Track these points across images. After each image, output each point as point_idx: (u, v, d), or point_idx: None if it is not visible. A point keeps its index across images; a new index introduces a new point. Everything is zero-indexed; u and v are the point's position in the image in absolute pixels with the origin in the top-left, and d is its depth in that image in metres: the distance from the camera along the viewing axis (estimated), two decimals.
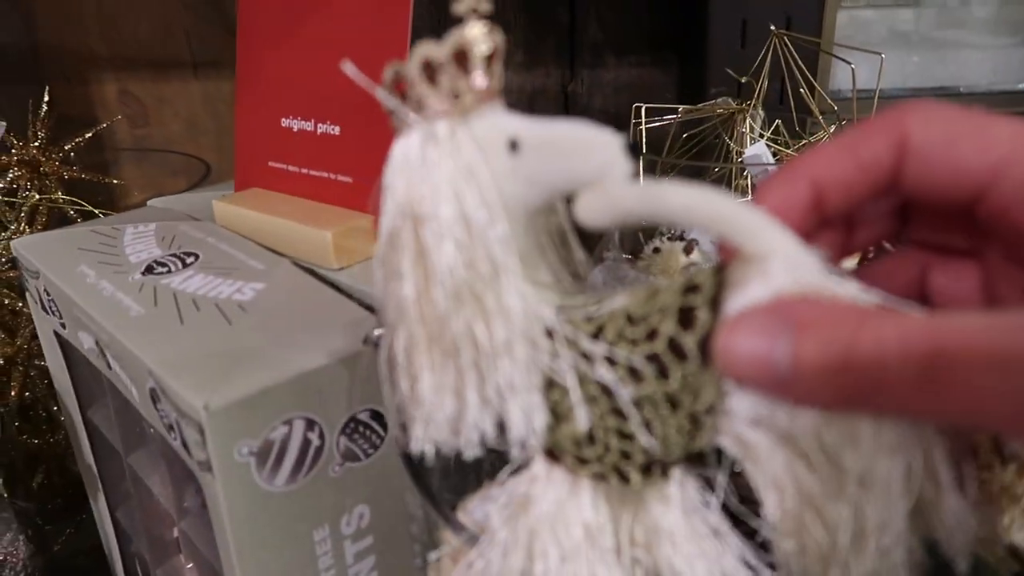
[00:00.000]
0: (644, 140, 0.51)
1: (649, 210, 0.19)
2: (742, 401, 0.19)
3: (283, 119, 0.45)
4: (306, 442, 0.32)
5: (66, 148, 0.64)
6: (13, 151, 0.61)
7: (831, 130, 0.52)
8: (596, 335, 0.20)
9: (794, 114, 0.55)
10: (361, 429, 0.34)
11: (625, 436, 0.20)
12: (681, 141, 0.51)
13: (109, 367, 0.38)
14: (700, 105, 0.51)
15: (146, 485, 0.43)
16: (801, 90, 0.50)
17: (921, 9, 1.05)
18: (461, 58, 0.19)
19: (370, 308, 0.36)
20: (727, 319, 0.18)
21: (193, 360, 0.32)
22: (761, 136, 0.51)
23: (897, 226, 0.23)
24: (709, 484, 0.21)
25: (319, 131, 0.43)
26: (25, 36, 0.81)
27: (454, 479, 0.33)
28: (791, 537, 0.19)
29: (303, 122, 0.44)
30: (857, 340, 0.15)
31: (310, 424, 0.32)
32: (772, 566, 0.20)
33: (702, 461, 0.21)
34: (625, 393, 0.20)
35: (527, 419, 0.20)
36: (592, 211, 0.19)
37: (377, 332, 0.32)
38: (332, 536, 0.34)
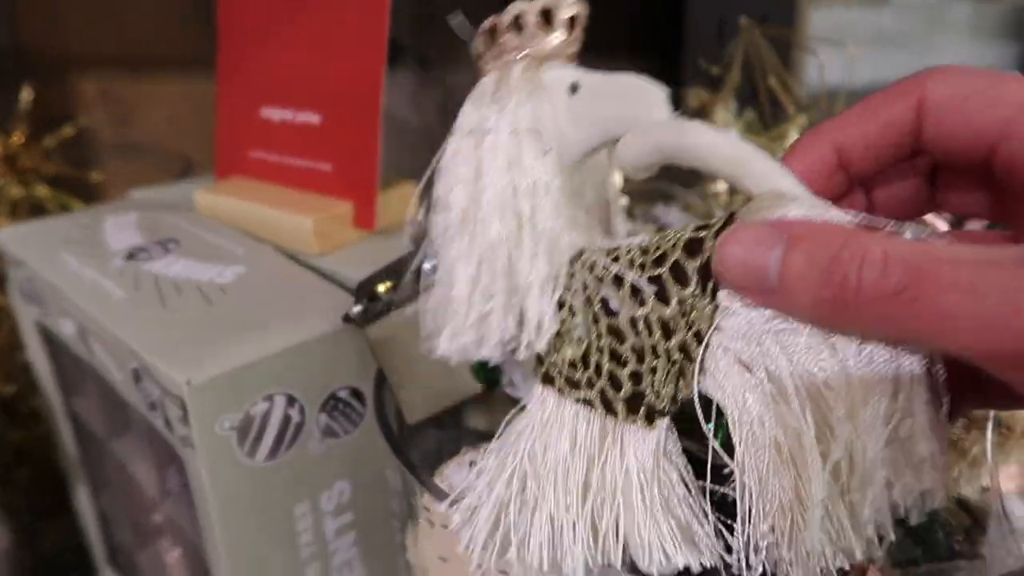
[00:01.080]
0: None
1: (678, 146, 0.20)
2: (734, 320, 0.19)
3: (263, 109, 0.46)
4: (286, 418, 0.33)
5: (47, 144, 0.65)
6: None
7: (800, 121, 0.53)
8: (612, 259, 0.22)
9: (766, 107, 0.56)
10: (341, 406, 0.35)
11: (617, 359, 0.21)
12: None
13: (91, 352, 0.38)
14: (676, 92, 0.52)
15: (128, 470, 0.43)
16: (772, 82, 0.51)
17: (900, 9, 1.07)
18: (547, 16, 0.22)
19: (350, 291, 0.36)
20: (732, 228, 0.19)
21: (175, 339, 0.32)
22: (734, 126, 0.53)
23: (927, 191, 0.23)
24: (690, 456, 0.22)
25: (299, 120, 0.44)
26: (7, 36, 0.81)
27: (432, 459, 0.34)
28: (759, 486, 0.20)
29: (283, 111, 0.45)
30: (842, 254, 0.16)
31: (290, 400, 0.33)
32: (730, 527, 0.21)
33: (688, 428, 0.22)
34: (623, 309, 0.21)
35: (539, 322, 0.22)
36: (629, 148, 0.21)
37: (356, 309, 0.32)
38: (313, 512, 0.35)
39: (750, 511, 0.19)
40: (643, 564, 0.21)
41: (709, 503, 0.21)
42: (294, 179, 0.45)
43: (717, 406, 0.20)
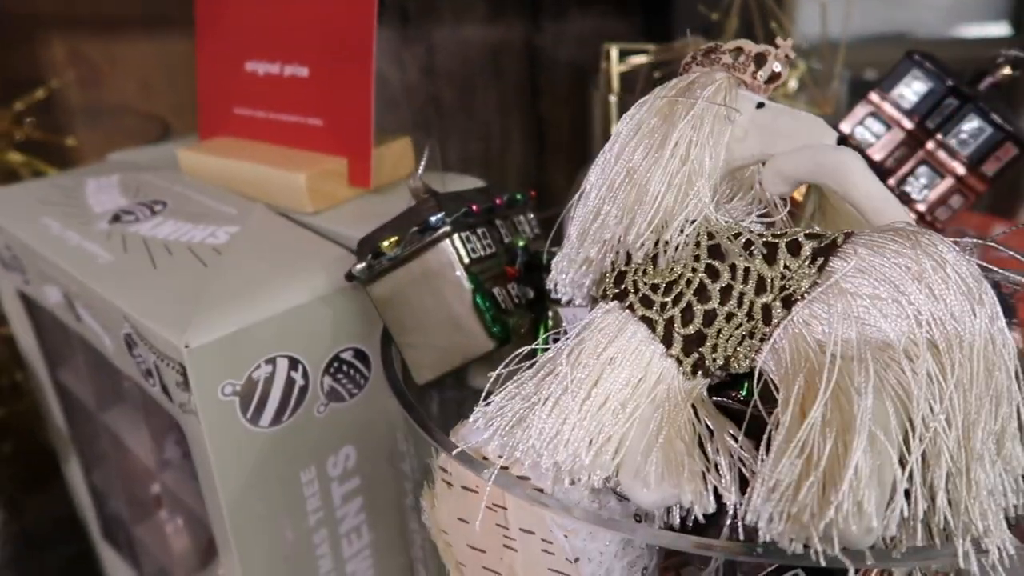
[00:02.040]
0: (614, 81, 0.50)
1: (834, 170, 0.24)
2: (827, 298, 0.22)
3: (247, 63, 0.44)
4: (290, 382, 0.31)
5: (17, 108, 0.62)
6: None
7: (801, 68, 0.52)
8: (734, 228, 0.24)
9: None
10: (345, 368, 0.33)
11: (701, 293, 0.23)
12: (653, 82, 0.51)
13: (79, 319, 0.37)
14: (671, 44, 0.50)
15: (122, 442, 0.42)
16: (773, 26, 0.50)
17: None
18: (760, 60, 0.26)
19: (350, 249, 0.35)
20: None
21: (169, 303, 0.31)
22: None
23: None
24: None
25: (286, 73, 0.42)
26: None
27: (437, 421, 0.33)
28: (800, 451, 0.20)
29: (269, 65, 0.43)
30: None
31: (293, 363, 0.31)
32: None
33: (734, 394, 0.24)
34: (730, 255, 0.23)
35: (650, 224, 0.24)
36: (789, 159, 0.24)
37: (360, 266, 0.31)
38: (319, 477, 0.34)
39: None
40: (627, 486, 0.21)
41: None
42: (283, 136, 0.43)
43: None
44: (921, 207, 0.35)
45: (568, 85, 0.92)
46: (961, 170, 0.34)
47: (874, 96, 0.35)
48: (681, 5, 0.79)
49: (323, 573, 0.36)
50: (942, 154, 0.34)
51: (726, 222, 0.25)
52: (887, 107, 0.35)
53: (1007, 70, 0.34)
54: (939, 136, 0.34)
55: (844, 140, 0.25)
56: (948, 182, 0.34)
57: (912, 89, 0.35)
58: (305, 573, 0.35)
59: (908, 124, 0.35)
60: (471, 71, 0.89)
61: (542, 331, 0.32)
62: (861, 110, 0.35)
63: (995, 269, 0.23)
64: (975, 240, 0.24)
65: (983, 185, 0.34)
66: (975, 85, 0.35)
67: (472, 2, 0.87)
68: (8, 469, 0.59)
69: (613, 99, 0.51)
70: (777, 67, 0.27)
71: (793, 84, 0.53)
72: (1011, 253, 0.32)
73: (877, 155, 0.35)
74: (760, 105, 0.26)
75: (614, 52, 0.51)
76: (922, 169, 0.34)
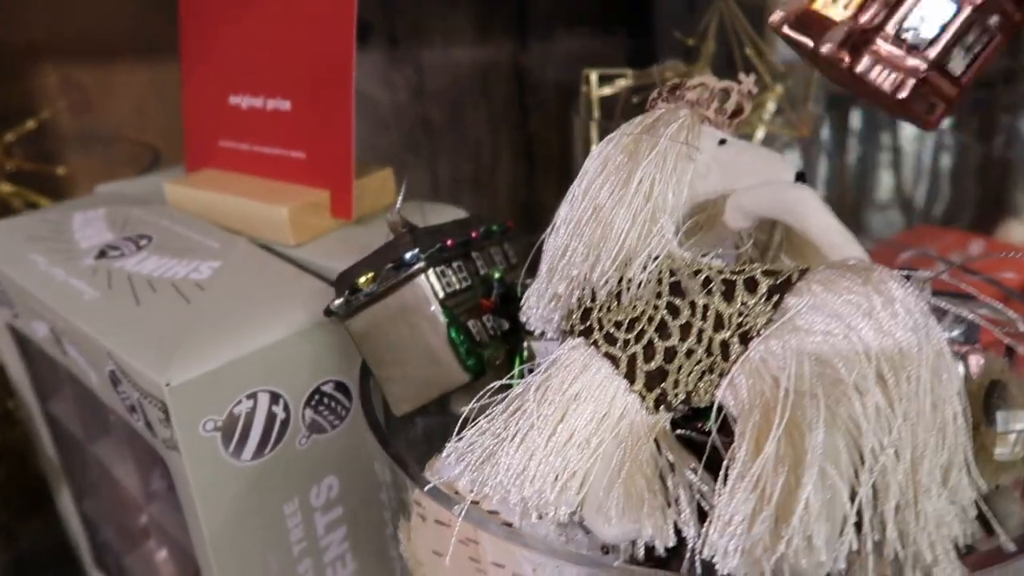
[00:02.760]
0: (594, 106, 0.51)
1: (792, 208, 0.24)
2: (783, 333, 0.22)
3: (231, 96, 0.45)
4: (271, 415, 0.32)
5: (8, 140, 0.63)
6: None
7: (778, 91, 0.53)
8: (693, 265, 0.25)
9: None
10: (326, 401, 0.34)
11: (662, 330, 0.24)
12: (632, 106, 0.52)
13: (65, 354, 0.37)
14: (649, 69, 0.51)
15: (111, 473, 0.42)
16: (747, 51, 0.51)
17: None
18: (725, 95, 0.27)
19: (330, 282, 0.36)
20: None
21: (152, 339, 0.31)
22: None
23: None
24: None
25: (269, 107, 0.43)
26: None
27: (420, 447, 0.34)
28: (754, 486, 0.20)
29: (252, 98, 0.44)
30: None
31: (275, 397, 0.32)
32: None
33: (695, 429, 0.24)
34: (690, 293, 0.24)
35: (615, 261, 0.25)
36: (750, 195, 0.25)
37: (338, 302, 0.32)
38: (302, 509, 0.34)
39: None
40: (590, 521, 0.22)
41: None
42: (266, 168, 0.44)
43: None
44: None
45: (556, 104, 0.92)
46: None
47: None
48: (664, 26, 0.80)
49: None
50: None
51: (689, 258, 0.25)
52: None
53: None
54: None
55: (802, 177, 0.26)
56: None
57: None
58: None
59: None
60: (460, 91, 0.90)
61: (517, 362, 0.32)
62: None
63: (946, 304, 0.23)
64: (928, 274, 0.24)
65: None
66: None
67: (460, 24, 0.88)
68: (1, 495, 0.59)
69: (593, 124, 0.52)
70: (742, 101, 0.28)
71: (771, 107, 0.53)
72: (978, 277, 0.33)
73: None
74: (722, 142, 0.26)
75: (594, 77, 0.52)
76: None
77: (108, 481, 0.44)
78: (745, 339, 0.23)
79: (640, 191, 0.25)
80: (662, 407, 0.24)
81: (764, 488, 0.20)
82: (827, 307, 0.22)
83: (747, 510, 0.20)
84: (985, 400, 0.24)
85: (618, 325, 0.24)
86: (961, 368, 0.27)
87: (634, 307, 0.24)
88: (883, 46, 0.26)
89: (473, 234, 0.34)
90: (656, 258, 0.25)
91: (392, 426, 0.33)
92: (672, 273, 0.25)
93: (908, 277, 0.23)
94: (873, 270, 0.22)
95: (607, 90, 0.53)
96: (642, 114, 0.28)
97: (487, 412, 0.25)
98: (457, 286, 0.31)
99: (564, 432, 0.23)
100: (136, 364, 0.30)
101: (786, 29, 0.27)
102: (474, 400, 0.26)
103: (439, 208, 0.43)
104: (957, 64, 0.26)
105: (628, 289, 0.25)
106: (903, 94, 0.26)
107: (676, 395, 0.24)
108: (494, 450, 0.24)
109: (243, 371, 0.31)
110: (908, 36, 0.25)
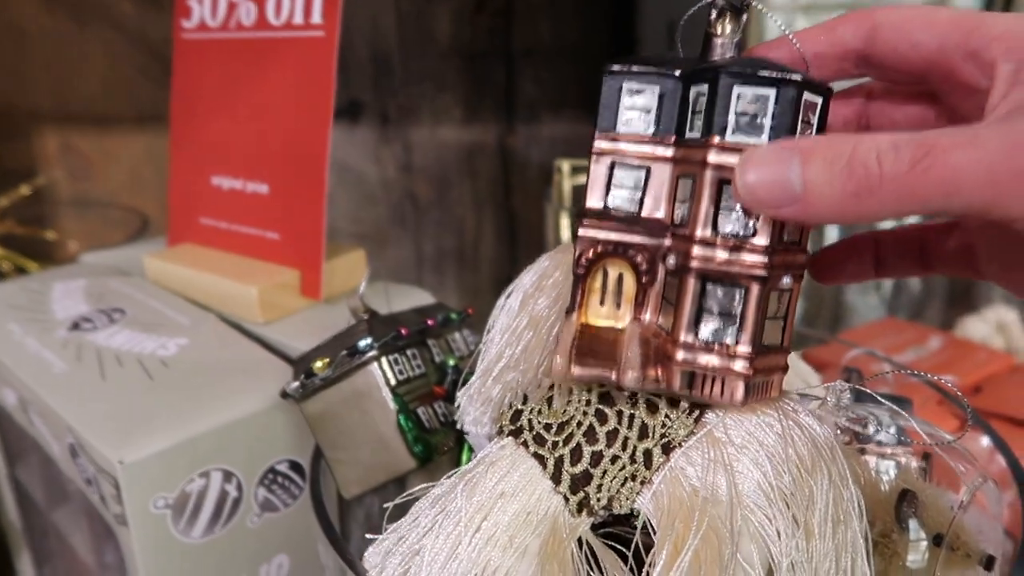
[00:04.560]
0: (565, 195, 0.53)
1: None
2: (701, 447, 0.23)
3: (214, 177, 0.47)
4: (223, 493, 0.33)
5: (2, 204, 0.65)
6: None
7: None
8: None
9: None
10: (280, 480, 0.35)
11: (589, 435, 0.25)
12: None
13: (31, 423, 0.38)
14: None
15: (68, 542, 0.43)
16: None
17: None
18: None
19: (292, 361, 0.37)
20: (740, 159, 0.21)
21: (111, 415, 0.32)
22: None
23: (865, 108, 0.27)
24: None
25: (248, 189, 0.45)
26: None
27: (376, 525, 0.34)
28: None
29: (233, 180, 0.46)
30: (857, 150, 0.19)
31: (227, 476, 0.33)
32: None
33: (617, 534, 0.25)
34: (618, 403, 0.25)
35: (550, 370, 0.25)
36: None
37: (293, 385, 0.33)
38: None
39: None
40: None
41: None
42: (243, 247, 0.45)
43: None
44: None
45: (539, 184, 0.95)
46: None
47: (600, 143, 0.24)
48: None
49: None
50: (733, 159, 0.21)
51: None
52: (625, 146, 0.23)
53: (728, 21, 0.24)
54: (716, 139, 0.21)
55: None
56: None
57: (637, 109, 0.24)
58: None
59: (668, 151, 0.23)
60: (447, 169, 0.93)
61: (466, 450, 0.33)
62: (599, 169, 0.24)
63: (848, 422, 0.25)
64: (846, 385, 0.26)
65: None
66: (706, 55, 0.24)
67: (449, 105, 0.91)
68: None
69: (564, 213, 0.54)
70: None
71: None
72: (920, 378, 0.34)
73: (660, 211, 0.23)
74: None
75: (565, 166, 0.54)
76: (725, 202, 0.22)
77: (65, 550, 0.44)
78: (668, 449, 0.24)
79: None
80: (584, 511, 0.25)
81: None
82: (742, 425, 0.24)
83: None
84: (897, 508, 0.25)
85: (547, 428, 0.25)
86: (892, 470, 0.28)
87: (564, 411, 0.25)
88: (686, 356, 0.22)
89: (430, 322, 0.35)
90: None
91: (347, 505, 0.33)
92: (602, 384, 0.26)
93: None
94: (784, 400, 0.24)
95: (580, 179, 0.55)
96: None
97: (415, 507, 0.26)
98: (410, 373, 0.33)
99: (488, 529, 0.24)
100: (93, 440, 0.31)
101: (576, 372, 0.23)
102: (400, 497, 0.27)
103: (404, 290, 0.44)
104: (775, 336, 0.23)
105: (559, 395, 0.26)
106: (739, 398, 0.22)
107: (599, 499, 0.24)
108: (422, 545, 0.25)
109: (198, 449, 0.32)
110: (708, 337, 0.22)
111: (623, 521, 0.26)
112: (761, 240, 0.21)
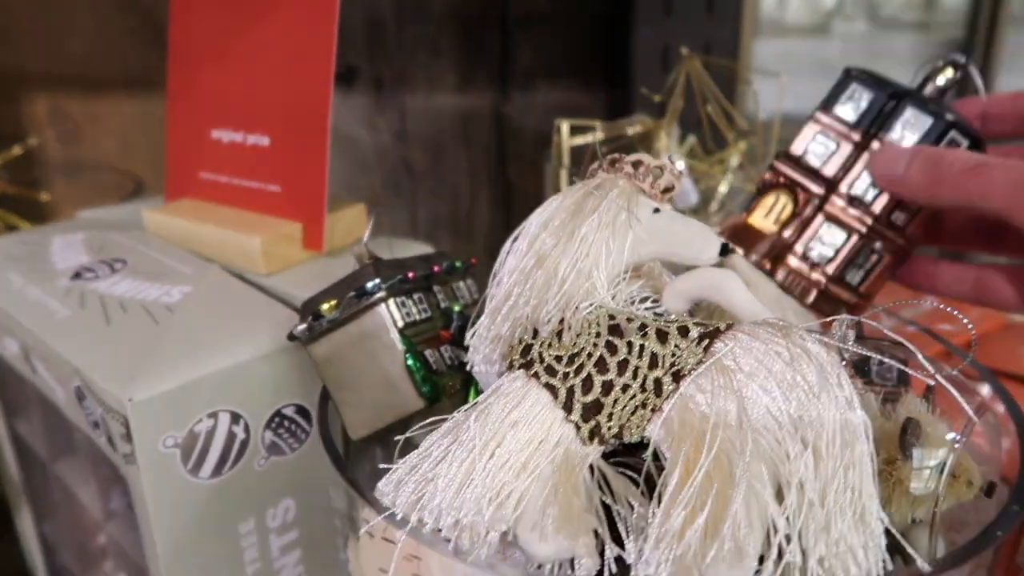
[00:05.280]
0: (564, 155, 0.53)
1: (720, 291, 0.27)
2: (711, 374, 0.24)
3: (213, 131, 0.47)
4: (231, 435, 0.33)
5: None
6: None
7: (740, 147, 0.56)
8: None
9: (708, 133, 0.58)
10: (286, 423, 0.35)
11: (600, 365, 0.25)
12: (601, 157, 0.54)
13: (34, 372, 0.38)
14: (618, 122, 0.54)
15: (72, 492, 0.43)
16: (710, 110, 0.53)
17: (843, 39, 1.12)
18: (659, 171, 0.29)
19: (296, 309, 0.37)
20: (877, 149, 0.33)
21: (118, 357, 0.32)
22: (676, 152, 0.55)
23: None
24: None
25: (249, 142, 0.45)
26: None
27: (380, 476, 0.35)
28: (685, 503, 0.22)
29: (233, 133, 0.46)
30: (942, 156, 0.30)
31: (235, 417, 0.33)
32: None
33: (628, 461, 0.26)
34: (627, 334, 0.25)
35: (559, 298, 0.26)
36: (685, 280, 0.27)
37: (301, 327, 0.33)
38: (258, 529, 0.35)
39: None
40: (525, 539, 0.23)
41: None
42: (243, 200, 0.45)
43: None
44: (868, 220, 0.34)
45: (534, 152, 0.95)
46: None
47: (820, 116, 0.34)
48: (640, 80, 0.83)
49: None
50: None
51: (626, 311, 0.27)
52: (833, 123, 0.34)
53: (949, 72, 0.34)
54: (878, 136, 0.33)
55: (726, 248, 0.28)
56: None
57: (853, 104, 0.34)
58: None
59: (856, 136, 0.34)
60: (442, 137, 0.93)
61: (472, 392, 0.34)
62: (809, 130, 0.35)
63: (859, 349, 0.25)
64: (849, 318, 0.26)
65: None
66: (920, 88, 0.35)
67: (444, 72, 0.91)
68: None
69: (563, 173, 0.54)
70: (672, 179, 0.30)
71: (734, 162, 0.56)
72: (917, 328, 0.34)
73: (829, 170, 0.34)
74: (656, 211, 0.29)
75: (565, 127, 0.54)
76: (865, 177, 0.33)
77: (68, 501, 0.44)
78: (678, 377, 0.24)
79: (583, 246, 0.27)
80: (595, 440, 0.25)
81: (696, 504, 0.21)
82: (750, 352, 0.24)
83: (677, 525, 0.21)
84: (901, 437, 0.26)
85: (558, 359, 0.26)
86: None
87: (574, 344, 0.26)
88: (793, 261, 0.33)
89: (436, 268, 0.35)
90: (595, 305, 0.27)
91: (352, 453, 0.34)
92: (611, 317, 0.26)
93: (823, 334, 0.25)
94: (791, 327, 0.24)
95: (578, 140, 0.55)
96: (582, 181, 0.30)
97: (428, 438, 0.27)
98: (417, 316, 0.33)
99: (501, 456, 0.24)
100: (101, 380, 0.31)
101: (725, 238, 0.30)
102: (411, 430, 0.28)
103: (407, 244, 0.44)
104: (854, 276, 0.33)
105: (569, 328, 0.26)
106: (808, 300, 0.33)
107: (610, 428, 0.25)
108: (435, 473, 0.25)
109: (205, 390, 0.32)
110: (812, 255, 0.33)
111: (631, 453, 0.27)
112: (875, 209, 0.33)
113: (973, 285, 0.35)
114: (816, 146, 0.34)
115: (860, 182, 0.33)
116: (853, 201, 0.33)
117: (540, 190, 0.97)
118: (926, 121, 0.33)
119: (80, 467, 0.42)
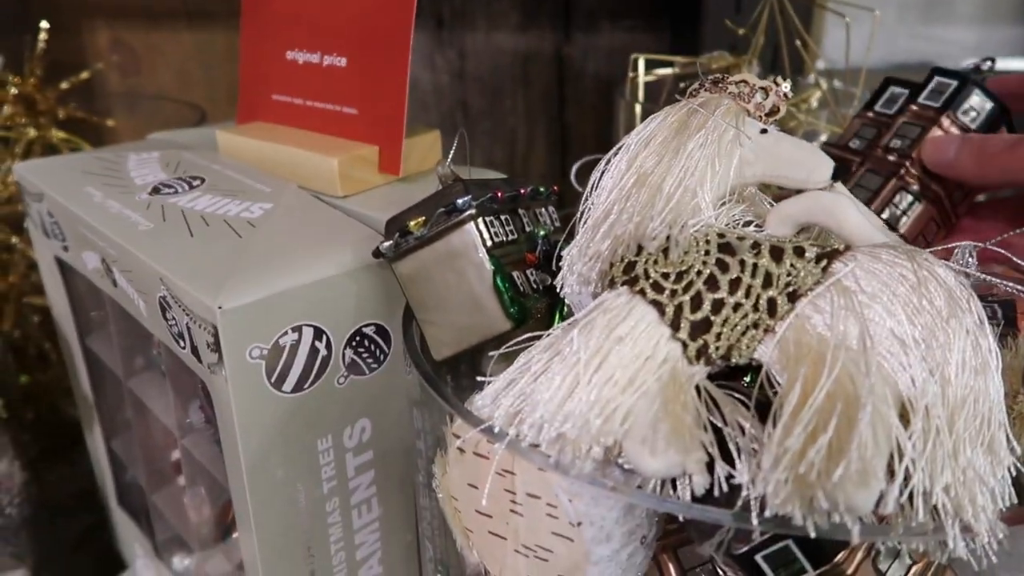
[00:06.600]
0: (640, 90, 0.52)
1: (831, 215, 0.26)
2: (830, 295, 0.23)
3: (288, 52, 0.46)
4: (314, 350, 0.33)
5: (61, 87, 0.64)
6: (10, 87, 0.61)
7: (823, 87, 0.53)
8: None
9: (788, 73, 0.56)
10: (367, 343, 0.35)
11: (711, 283, 0.24)
12: (677, 94, 0.52)
13: (115, 284, 0.38)
14: (696, 58, 0.52)
15: (146, 408, 0.43)
16: (797, 43, 0.51)
17: None
18: (765, 93, 0.28)
19: (377, 230, 0.36)
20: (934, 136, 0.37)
21: (204, 268, 0.32)
22: None
23: None
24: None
25: (325, 63, 0.44)
26: None
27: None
28: (806, 423, 0.21)
29: (309, 54, 0.45)
30: (985, 139, 0.35)
31: (318, 333, 0.33)
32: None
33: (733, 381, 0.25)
34: (739, 252, 0.25)
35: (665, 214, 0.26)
36: (795, 204, 0.26)
37: (387, 244, 0.33)
38: (335, 447, 0.35)
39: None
40: (633, 454, 0.22)
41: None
42: (318, 123, 0.45)
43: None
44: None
45: (595, 96, 0.93)
46: None
47: (945, 121, 0.38)
48: (709, 21, 0.80)
49: (333, 541, 0.37)
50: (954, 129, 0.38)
51: (735, 230, 0.26)
52: (918, 109, 0.38)
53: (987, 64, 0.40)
54: (951, 111, 0.38)
55: (840, 169, 0.26)
56: None
57: (936, 92, 0.39)
58: (316, 540, 0.36)
59: (935, 116, 0.38)
60: (501, 78, 0.91)
61: (557, 317, 0.33)
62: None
63: (990, 277, 0.24)
64: (971, 244, 0.25)
65: None
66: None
67: (505, 11, 0.89)
68: (28, 435, 0.60)
69: (638, 107, 0.52)
70: (778, 100, 0.28)
71: (815, 102, 0.54)
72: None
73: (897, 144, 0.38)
74: (763, 131, 0.27)
75: (641, 62, 0.53)
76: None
77: (142, 417, 0.45)
78: (794, 297, 0.23)
79: (690, 162, 0.26)
80: (702, 359, 0.24)
81: (818, 424, 0.20)
82: (873, 274, 0.23)
83: (798, 444, 0.20)
84: None
85: (665, 276, 0.25)
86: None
87: (682, 261, 0.25)
88: None
89: (522, 191, 0.34)
90: (703, 223, 0.26)
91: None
92: (720, 236, 0.25)
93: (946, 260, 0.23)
94: (916, 250, 0.23)
95: (653, 75, 0.54)
96: (685, 99, 0.29)
97: (526, 352, 0.26)
98: (504, 238, 0.32)
99: (607, 370, 0.24)
100: (189, 288, 0.31)
101: None
102: (504, 346, 0.27)
103: (484, 172, 0.43)
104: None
105: (676, 245, 0.25)
106: None
107: (717, 348, 0.24)
108: (536, 386, 0.24)
109: (290, 304, 0.32)
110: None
111: (734, 378, 0.26)
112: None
113: None
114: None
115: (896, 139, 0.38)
116: (894, 152, 0.38)
117: (600, 135, 0.95)
118: (987, 105, 0.38)
119: (156, 382, 0.43)
